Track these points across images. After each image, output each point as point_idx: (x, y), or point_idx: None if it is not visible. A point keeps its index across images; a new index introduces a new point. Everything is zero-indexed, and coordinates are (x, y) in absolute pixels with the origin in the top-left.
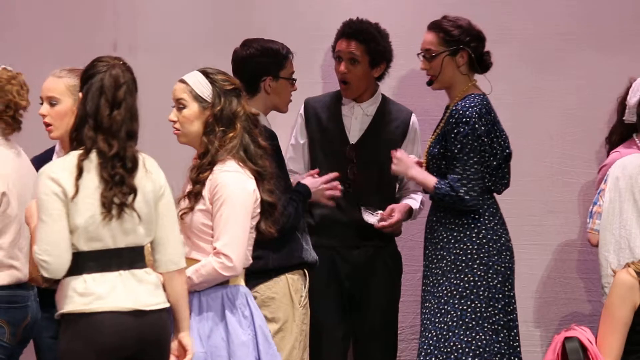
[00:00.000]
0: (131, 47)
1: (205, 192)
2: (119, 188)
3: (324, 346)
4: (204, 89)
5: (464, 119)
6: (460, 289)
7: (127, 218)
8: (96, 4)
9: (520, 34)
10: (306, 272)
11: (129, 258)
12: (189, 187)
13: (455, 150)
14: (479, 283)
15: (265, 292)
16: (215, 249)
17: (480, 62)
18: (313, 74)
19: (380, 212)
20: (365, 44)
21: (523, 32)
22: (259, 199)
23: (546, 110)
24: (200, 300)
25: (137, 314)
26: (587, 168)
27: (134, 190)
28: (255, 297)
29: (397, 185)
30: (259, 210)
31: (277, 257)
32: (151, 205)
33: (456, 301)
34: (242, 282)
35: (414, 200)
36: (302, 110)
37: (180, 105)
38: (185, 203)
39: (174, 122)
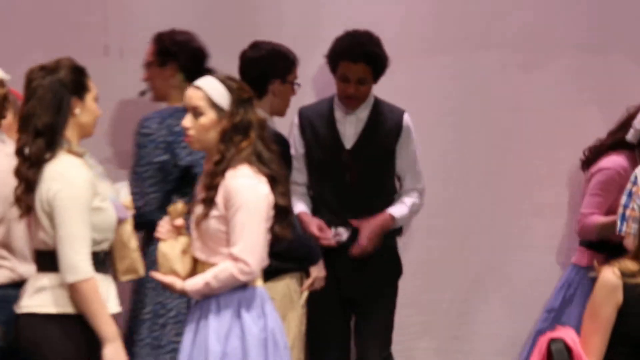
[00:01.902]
0: (122, 50)
1: (219, 199)
2: (21, 186)
3: (323, 346)
4: (222, 97)
5: (141, 130)
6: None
7: (32, 219)
8: (86, 7)
9: (509, 37)
10: (304, 274)
11: (38, 262)
12: (202, 194)
13: (134, 163)
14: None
15: None
16: (232, 254)
17: (195, 78)
18: (302, 80)
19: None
20: (372, 65)
21: (512, 36)
22: (272, 203)
23: (533, 113)
24: (219, 302)
25: (16, 316)
26: (574, 171)
27: (31, 189)
28: None
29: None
30: (272, 213)
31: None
32: (42, 213)
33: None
34: (259, 284)
35: (403, 206)
36: (296, 120)
37: (196, 112)
38: (200, 209)
39: (188, 128)
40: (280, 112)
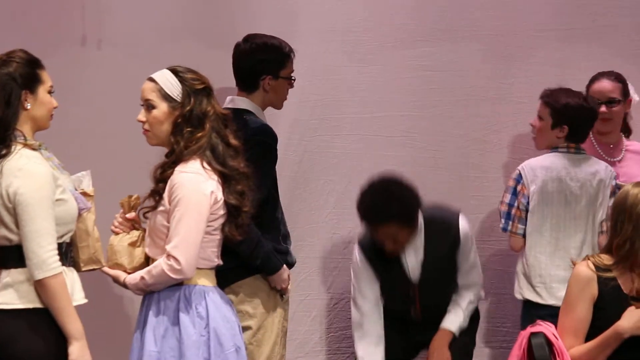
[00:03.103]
0: (99, 41)
1: (165, 193)
2: None
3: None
4: (173, 88)
5: None
6: None
7: None
8: None
9: (490, 29)
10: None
11: (1, 257)
12: (152, 186)
13: None
14: None
15: (248, 288)
16: (166, 250)
17: None
18: None
19: None
20: (401, 222)
21: (493, 27)
22: (221, 201)
23: (516, 106)
24: (159, 301)
25: None
26: None
27: None
28: (237, 293)
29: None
30: (222, 212)
31: None
32: (3, 209)
33: None
34: (203, 282)
35: (458, 311)
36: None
37: (149, 105)
38: (148, 202)
39: (143, 122)
40: (276, 106)
